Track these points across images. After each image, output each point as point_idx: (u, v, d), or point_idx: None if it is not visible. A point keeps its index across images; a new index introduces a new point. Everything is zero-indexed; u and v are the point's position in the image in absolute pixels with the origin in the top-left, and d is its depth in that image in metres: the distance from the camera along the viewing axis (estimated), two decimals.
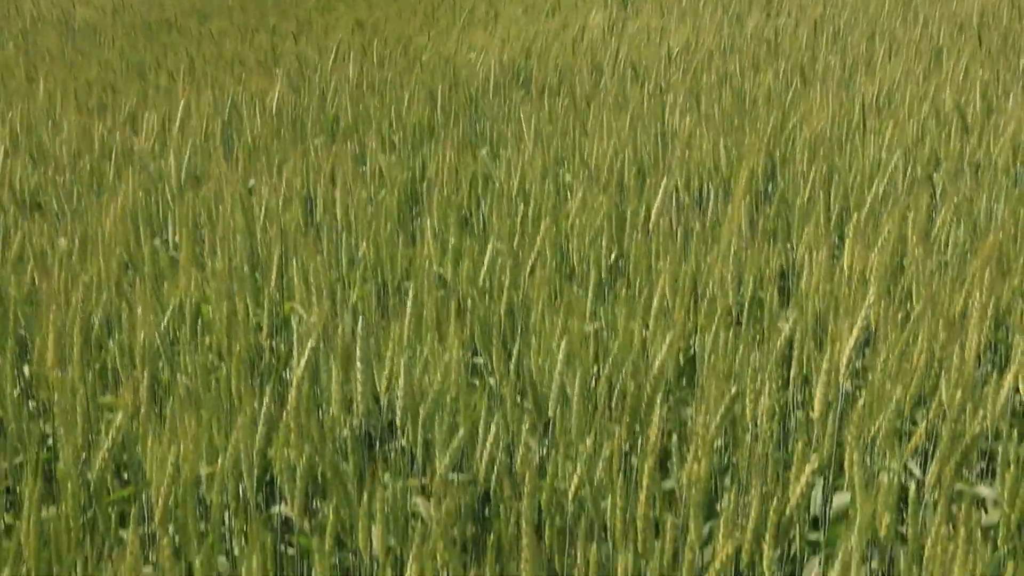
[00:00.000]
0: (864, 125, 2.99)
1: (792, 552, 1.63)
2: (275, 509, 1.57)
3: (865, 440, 1.47)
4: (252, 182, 2.77)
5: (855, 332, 1.35)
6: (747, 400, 1.58)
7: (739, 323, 1.83)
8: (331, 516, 1.38)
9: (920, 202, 1.83)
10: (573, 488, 1.40)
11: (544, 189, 2.50)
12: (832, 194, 2.41)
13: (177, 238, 2.30)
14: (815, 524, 1.71)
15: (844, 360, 1.39)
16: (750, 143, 2.63)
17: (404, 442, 1.74)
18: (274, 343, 1.93)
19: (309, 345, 1.51)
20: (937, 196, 2.52)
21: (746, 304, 1.78)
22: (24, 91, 3.98)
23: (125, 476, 1.72)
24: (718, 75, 3.89)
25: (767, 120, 2.98)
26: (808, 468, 1.37)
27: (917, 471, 1.70)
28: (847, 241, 1.92)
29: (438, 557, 1.27)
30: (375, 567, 1.44)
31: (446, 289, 2.05)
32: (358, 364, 1.37)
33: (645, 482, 1.25)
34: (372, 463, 1.78)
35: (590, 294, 1.76)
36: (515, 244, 2.15)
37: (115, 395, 1.65)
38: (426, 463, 1.63)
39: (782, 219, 2.46)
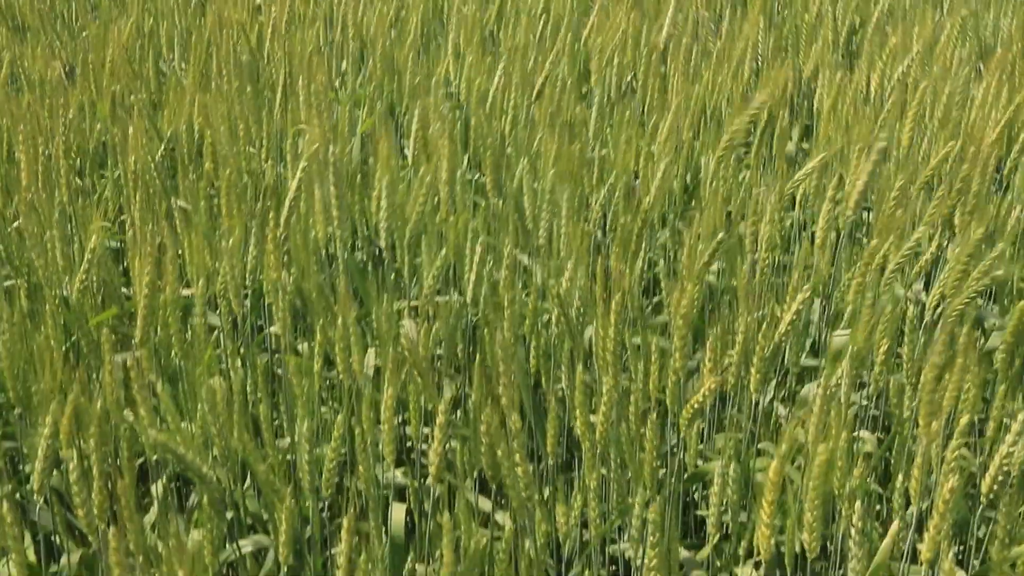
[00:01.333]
0: None
1: (788, 384, 1.62)
2: (269, 330, 1.59)
3: (864, 266, 1.44)
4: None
5: (818, 160, 1.30)
6: (760, 225, 1.55)
7: (747, 145, 1.78)
8: (318, 336, 1.38)
9: (926, 17, 1.74)
10: (555, 314, 1.39)
11: (567, 6, 2.42)
12: (840, 9, 2.31)
13: (183, 63, 2.27)
14: (815, 354, 1.70)
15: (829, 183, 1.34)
16: None
17: (401, 270, 1.74)
18: (279, 170, 1.92)
19: (301, 165, 1.50)
20: (943, 10, 2.40)
21: (757, 132, 1.73)
22: None
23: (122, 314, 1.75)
24: None
25: None
26: (800, 296, 1.35)
27: (924, 297, 1.67)
28: (861, 60, 1.85)
29: (417, 379, 1.28)
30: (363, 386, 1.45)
31: (454, 109, 2.01)
32: (331, 189, 1.36)
33: (615, 255, 1.23)
34: (361, 285, 1.78)
35: (594, 113, 1.71)
36: (529, 66, 2.09)
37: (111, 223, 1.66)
38: (415, 285, 1.63)
39: (793, 37, 2.37)
